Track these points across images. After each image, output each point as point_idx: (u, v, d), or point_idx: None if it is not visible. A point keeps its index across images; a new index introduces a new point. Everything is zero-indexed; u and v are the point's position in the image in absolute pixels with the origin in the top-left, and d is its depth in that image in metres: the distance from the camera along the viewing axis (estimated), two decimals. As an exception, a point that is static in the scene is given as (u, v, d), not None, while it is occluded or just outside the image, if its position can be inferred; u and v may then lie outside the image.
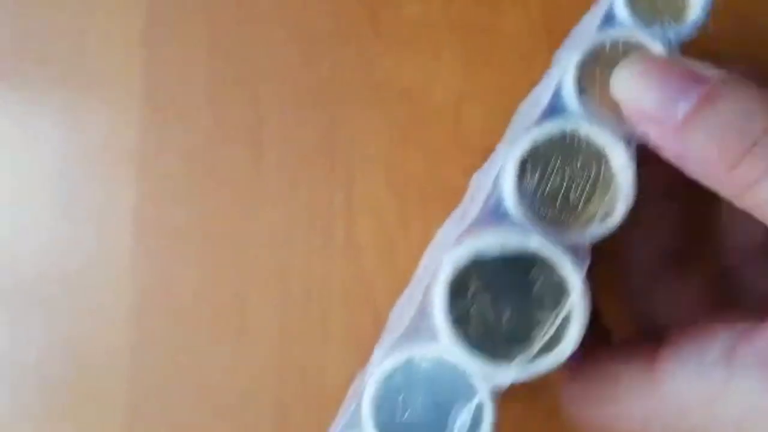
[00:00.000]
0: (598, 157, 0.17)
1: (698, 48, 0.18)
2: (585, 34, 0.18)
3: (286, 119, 0.28)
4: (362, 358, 0.27)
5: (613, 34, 0.18)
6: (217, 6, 0.28)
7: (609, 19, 0.18)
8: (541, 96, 0.18)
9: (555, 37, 0.22)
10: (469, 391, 0.17)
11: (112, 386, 0.28)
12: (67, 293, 0.28)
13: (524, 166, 0.17)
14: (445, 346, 0.17)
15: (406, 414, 0.17)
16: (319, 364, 0.27)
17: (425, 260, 0.23)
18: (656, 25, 0.17)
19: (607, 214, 0.17)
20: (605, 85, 0.17)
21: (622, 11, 0.18)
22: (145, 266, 0.28)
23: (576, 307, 0.16)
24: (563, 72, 0.17)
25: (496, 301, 0.17)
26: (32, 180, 0.28)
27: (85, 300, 0.28)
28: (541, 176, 0.17)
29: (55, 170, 0.28)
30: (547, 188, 0.17)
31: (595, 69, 0.17)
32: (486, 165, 0.22)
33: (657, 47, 0.17)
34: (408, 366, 0.17)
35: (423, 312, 0.17)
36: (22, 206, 0.28)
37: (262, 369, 0.27)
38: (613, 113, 0.17)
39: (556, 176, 0.17)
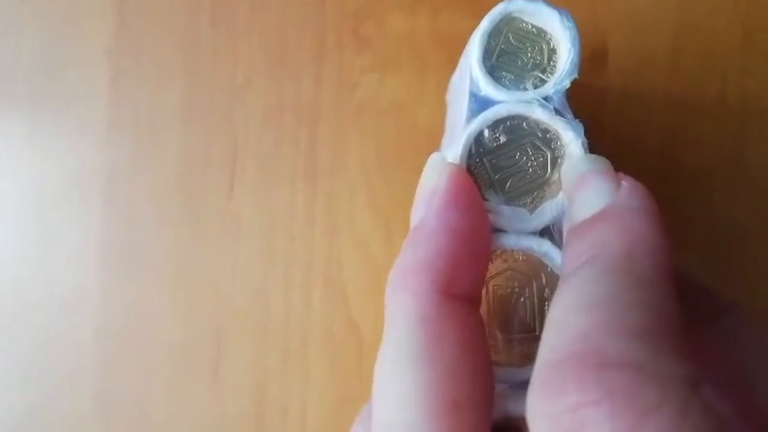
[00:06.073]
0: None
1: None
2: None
3: (263, 140, 0.26)
4: (345, 394, 0.25)
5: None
6: (191, 24, 0.26)
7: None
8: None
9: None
10: None
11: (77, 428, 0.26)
12: (31, 323, 0.26)
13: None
14: None
15: None
16: (299, 402, 0.25)
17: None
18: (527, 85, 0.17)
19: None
20: None
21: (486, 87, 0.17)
22: (113, 298, 0.26)
23: None
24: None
25: None
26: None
27: (49, 332, 0.26)
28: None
29: (20, 195, 0.27)
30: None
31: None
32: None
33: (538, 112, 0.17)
34: None
35: None
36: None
37: (239, 409, 0.25)
38: None
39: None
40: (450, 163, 0.16)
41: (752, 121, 0.25)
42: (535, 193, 0.17)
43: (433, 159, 0.17)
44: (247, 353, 0.26)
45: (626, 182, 0.15)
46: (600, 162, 0.16)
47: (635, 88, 0.25)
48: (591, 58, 0.25)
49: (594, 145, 0.16)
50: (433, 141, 0.25)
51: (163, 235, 0.26)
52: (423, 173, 0.16)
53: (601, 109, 0.25)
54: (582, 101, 0.25)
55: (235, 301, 0.26)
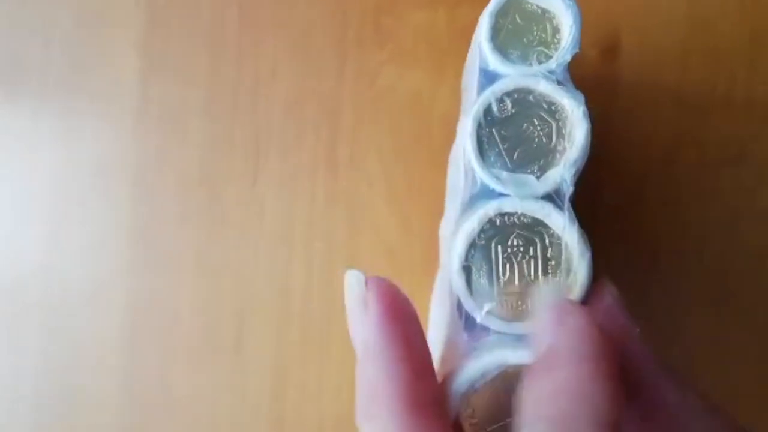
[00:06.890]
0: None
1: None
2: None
3: (286, 130, 0.27)
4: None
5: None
6: (217, 17, 0.27)
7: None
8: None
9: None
10: None
11: (103, 406, 0.27)
12: (60, 311, 0.27)
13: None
14: None
15: None
16: (317, 382, 0.26)
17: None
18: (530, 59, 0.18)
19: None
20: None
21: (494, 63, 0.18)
22: (139, 284, 0.27)
23: None
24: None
25: None
26: (28, 195, 0.28)
27: (78, 318, 0.27)
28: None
29: (50, 186, 0.28)
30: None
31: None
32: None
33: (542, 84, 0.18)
34: None
35: None
36: (17, 222, 0.28)
37: (259, 389, 0.26)
38: None
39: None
40: (367, 276, 0.17)
41: (759, 118, 0.26)
42: (542, 161, 0.18)
43: (350, 276, 0.17)
44: (268, 334, 0.27)
45: (572, 319, 0.15)
46: (550, 292, 0.16)
47: (645, 84, 0.26)
48: (602, 53, 0.26)
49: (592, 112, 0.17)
50: (450, 131, 0.25)
51: (188, 222, 0.27)
52: (346, 290, 0.17)
53: (612, 104, 0.26)
54: (594, 96, 0.26)
55: (256, 284, 0.27)
